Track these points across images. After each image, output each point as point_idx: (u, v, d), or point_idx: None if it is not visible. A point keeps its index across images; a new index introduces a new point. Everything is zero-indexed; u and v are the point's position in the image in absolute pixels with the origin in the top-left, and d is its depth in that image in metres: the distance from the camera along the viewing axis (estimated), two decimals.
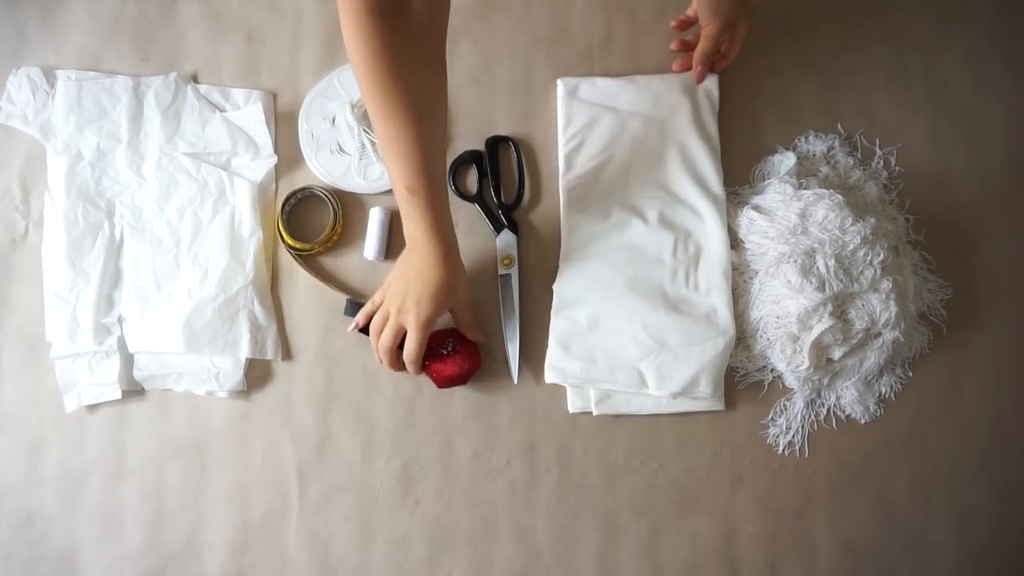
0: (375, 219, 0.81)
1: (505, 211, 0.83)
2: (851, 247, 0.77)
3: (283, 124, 0.84)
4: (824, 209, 0.78)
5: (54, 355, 0.79)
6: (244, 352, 0.79)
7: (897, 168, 0.86)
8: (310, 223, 0.83)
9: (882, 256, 0.77)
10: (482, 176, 0.84)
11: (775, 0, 0.88)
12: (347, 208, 0.83)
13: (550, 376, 0.79)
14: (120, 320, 0.80)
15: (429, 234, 0.70)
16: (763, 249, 0.80)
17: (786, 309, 0.77)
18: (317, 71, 0.85)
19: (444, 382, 0.78)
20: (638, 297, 0.79)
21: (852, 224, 0.77)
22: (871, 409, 0.81)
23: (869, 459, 0.81)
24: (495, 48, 0.85)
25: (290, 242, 0.81)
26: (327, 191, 0.81)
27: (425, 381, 0.79)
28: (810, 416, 0.81)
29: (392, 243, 0.82)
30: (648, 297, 0.79)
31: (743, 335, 0.80)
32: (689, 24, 0.87)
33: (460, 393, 0.80)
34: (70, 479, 0.79)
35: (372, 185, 0.82)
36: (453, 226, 0.72)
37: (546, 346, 0.80)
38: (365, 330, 0.78)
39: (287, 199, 0.81)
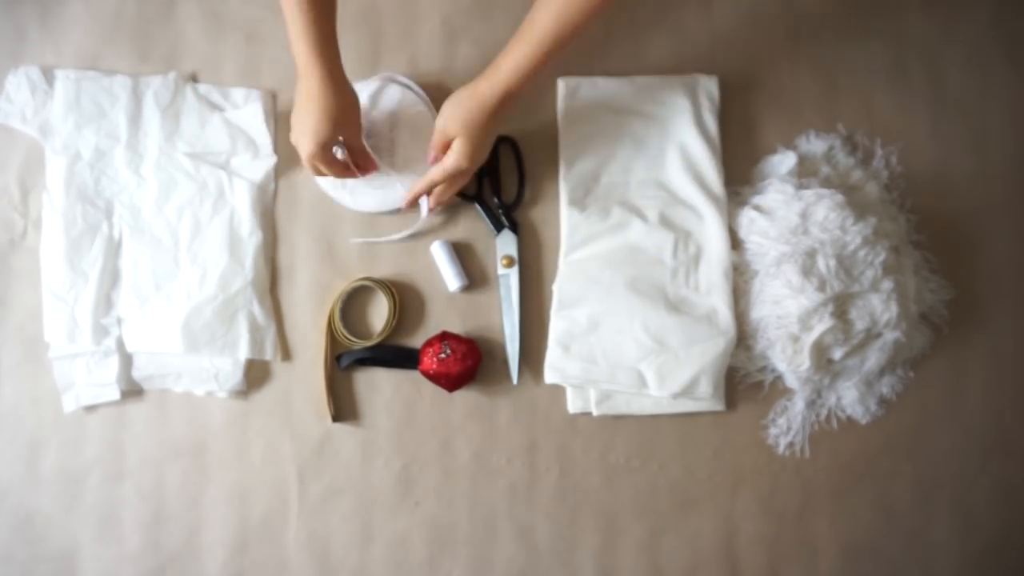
0: (440, 253, 0.81)
1: (505, 211, 0.82)
2: (852, 247, 0.77)
3: (283, 123, 0.84)
4: (825, 209, 0.78)
5: (53, 355, 0.79)
6: (243, 352, 0.78)
7: (898, 168, 0.86)
8: (360, 314, 0.82)
9: (883, 256, 0.77)
10: (482, 176, 0.83)
11: (775, 0, 0.88)
12: (401, 294, 0.82)
13: (550, 376, 0.79)
14: (119, 320, 0.79)
15: (311, 54, 0.70)
16: (764, 249, 0.79)
17: (787, 309, 0.77)
18: None
19: (453, 384, 0.77)
20: (638, 297, 0.79)
21: (853, 224, 0.77)
22: (872, 409, 0.81)
23: (870, 460, 0.81)
24: (495, 48, 0.84)
25: (350, 337, 0.79)
26: (382, 282, 0.80)
27: (425, 381, 0.79)
28: (811, 417, 0.81)
29: (465, 269, 0.82)
30: (648, 297, 0.79)
31: (744, 335, 0.80)
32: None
33: (460, 393, 0.80)
34: (69, 479, 0.79)
35: (357, 202, 0.82)
36: (338, 48, 0.73)
37: (546, 346, 0.80)
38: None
39: (340, 295, 0.80)
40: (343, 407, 0.80)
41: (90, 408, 0.79)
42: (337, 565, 0.78)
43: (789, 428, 0.81)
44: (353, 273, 0.81)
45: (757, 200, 0.81)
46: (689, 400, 0.78)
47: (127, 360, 0.79)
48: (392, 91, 0.83)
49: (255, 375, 0.80)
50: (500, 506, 0.79)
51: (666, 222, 0.81)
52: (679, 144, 0.83)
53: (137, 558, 0.78)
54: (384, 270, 0.82)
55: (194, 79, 0.84)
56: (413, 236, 0.82)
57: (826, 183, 0.82)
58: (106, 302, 0.80)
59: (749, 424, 0.81)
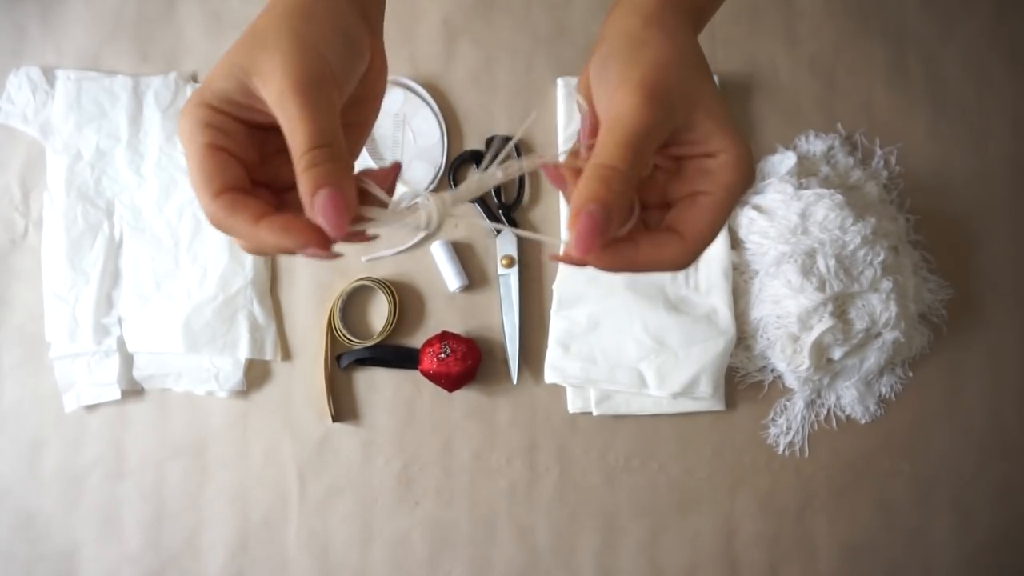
0: (440, 253, 0.81)
1: (505, 211, 0.83)
2: (851, 247, 0.77)
3: None
4: (824, 209, 0.78)
5: (53, 355, 0.79)
6: (243, 352, 0.79)
7: (897, 168, 0.86)
8: (360, 314, 0.82)
9: (882, 256, 0.77)
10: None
11: (775, 0, 0.88)
12: (401, 294, 0.82)
13: (550, 376, 0.79)
14: (119, 320, 0.80)
15: None
16: (763, 249, 0.80)
17: (786, 309, 0.77)
18: None
19: (453, 384, 0.77)
20: (638, 297, 0.79)
21: (852, 224, 0.77)
22: (871, 409, 0.81)
23: (869, 459, 0.81)
24: (495, 48, 0.85)
25: (350, 337, 0.79)
26: (382, 282, 0.80)
27: (425, 381, 0.79)
28: (810, 416, 0.81)
29: (466, 269, 0.82)
30: (648, 297, 0.79)
31: (743, 335, 0.80)
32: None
33: (460, 393, 0.80)
34: (70, 479, 0.79)
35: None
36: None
37: (546, 346, 0.80)
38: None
39: (340, 294, 0.80)
40: (343, 407, 0.80)
41: (91, 408, 0.79)
42: (337, 565, 0.78)
43: (789, 428, 0.81)
44: (353, 273, 0.81)
45: (757, 200, 0.81)
46: (689, 400, 0.79)
47: (128, 360, 0.80)
48: (395, 93, 0.83)
49: (255, 375, 0.80)
50: (500, 506, 0.79)
51: None
52: None
53: (138, 557, 0.78)
54: (384, 270, 0.82)
55: (194, 79, 0.84)
56: (416, 242, 0.82)
57: (826, 183, 0.82)
58: (107, 302, 0.80)
59: (749, 424, 0.81)
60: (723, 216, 0.37)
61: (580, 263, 0.36)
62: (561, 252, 0.37)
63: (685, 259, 0.37)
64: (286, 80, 0.34)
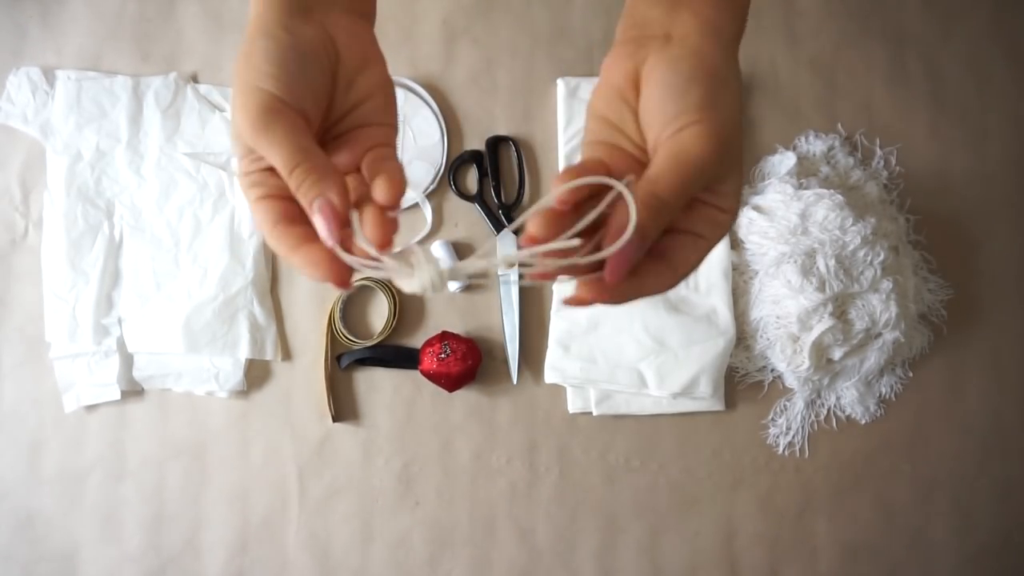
0: (440, 253, 0.81)
1: (505, 211, 0.83)
2: (851, 247, 0.77)
3: None
4: (824, 209, 0.78)
5: (53, 355, 0.79)
6: (243, 352, 0.79)
7: (897, 168, 0.86)
8: (360, 314, 0.82)
9: (882, 256, 0.77)
10: (482, 176, 0.84)
11: (775, 0, 0.88)
12: (401, 294, 0.81)
13: (550, 376, 0.79)
14: (120, 320, 0.80)
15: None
16: (763, 249, 0.80)
17: (786, 309, 0.77)
18: None
19: (453, 384, 0.77)
20: None
21: (852, 224, 0.77)
22: (871, 409, 0.81)
23: (869, 459, 0.81)
24: (495, 48, 0.85)
25: (350, 337, 0.79)
26: (382, 282, 0.80)
27: (425, 381, 0.79)
28: (810, 416, 0.81)
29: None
30: (648, 297, 0.79)
31: (743, 335, 0.80)
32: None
33: (460, 393, 0.80)
34: (70, 479, 0.79)
35: None
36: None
37: (546, 346, 0.80)
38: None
39: (340, 294, 0.80)
40: (343, 407, 0.80)
41: (91, 408, 0.79)
42: (337, 565, 0.78)
43: (789, 428, 0.81)
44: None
45: (757, 200, 0.81)
46: (689, 400, 0.79)
47: (128, 360, 0.80)
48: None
49: (255, 375, 0.80)
50: (500, 506, 0.79)
51: None
52: None
53: (138, 558, 0.78)
54: None
55: (194, 79, 0.84)
56: (416, 242, 0.82)
57: (826, 183, 0.82)
58: (107, 302, 0.80)
59: (749, 424, 0.81)
60: (707, 255, 0.41)
61: (590, 304, 0.38)
62: (559, 288, 0.39)
63: (672, 287, 0.41)
64: (247, 127, 0.38)
